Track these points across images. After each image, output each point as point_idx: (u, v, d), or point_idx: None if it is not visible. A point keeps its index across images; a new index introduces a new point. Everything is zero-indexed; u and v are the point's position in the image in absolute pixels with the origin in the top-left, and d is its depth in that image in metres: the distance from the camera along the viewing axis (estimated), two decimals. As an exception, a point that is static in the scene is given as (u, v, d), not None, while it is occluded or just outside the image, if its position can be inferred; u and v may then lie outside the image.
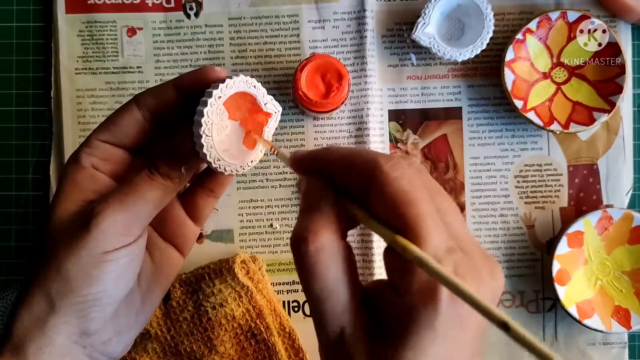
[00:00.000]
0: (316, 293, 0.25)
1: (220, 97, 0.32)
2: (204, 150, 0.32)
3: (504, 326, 0.20)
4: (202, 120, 0.31)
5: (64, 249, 0.32)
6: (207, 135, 0.32)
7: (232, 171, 0.34)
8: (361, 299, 0.26)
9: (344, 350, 0.25)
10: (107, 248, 0.32)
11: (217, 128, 0.33)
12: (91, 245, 0.31)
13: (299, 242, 0.25)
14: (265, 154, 0.37)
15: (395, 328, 0.24)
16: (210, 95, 0.32)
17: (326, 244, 0.25)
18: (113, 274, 0.32)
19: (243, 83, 0.33)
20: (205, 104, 0.31)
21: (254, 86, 0.34)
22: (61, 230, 0.33)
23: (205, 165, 0.36)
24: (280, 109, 0.35)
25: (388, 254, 0.25)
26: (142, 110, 0.34)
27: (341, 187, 0.27)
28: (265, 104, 0.35)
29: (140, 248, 0.34)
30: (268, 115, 0.35)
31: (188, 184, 0.40)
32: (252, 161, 0.35)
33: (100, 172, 0.34)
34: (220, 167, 0.33)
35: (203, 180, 0.39)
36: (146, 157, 0.35)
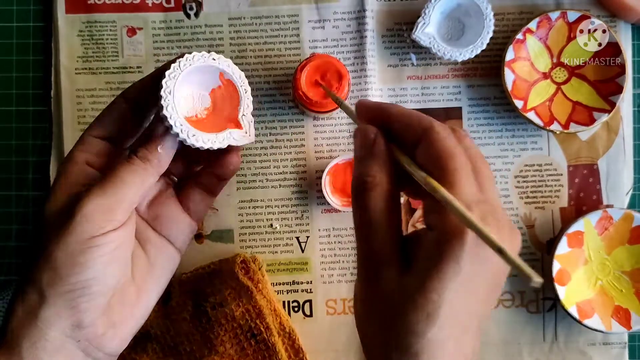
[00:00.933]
0: (368, 224, 0.29)
1: (179, 67, 0.35)
2: (169, 120, 0.34)
3: (499, 251, 0.23)
4: (162, 92, 0.34)
5: (51, 239, 0.32)
6: (169, 105, 0.34)
7: (204, 144, 0.35)
8: (401, 240, 0.29)
9: (379, 277, 0.28)
10: (92, 233, 0.32)
11: (186, 103, 0.36)
12: (76, 230, 0.32)
13: (360, 182, 0.29)
14: (255, 145, 0.39)
15: (424, 261, 0.27)
16: (168, 67, 0.34)
17: (382, 183, 0.29)
18: (100, 259, 0.33)
19: (200, 57, 0.35)
20: (164, 77, 0.34)
21: (213, 59, 0.36)
22: (50, 223, 0.34)
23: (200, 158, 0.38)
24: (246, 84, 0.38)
25: (427, 198, 0.28)
26: (127, 102, 0.37)
27: (394, 137, 0.30)
28: (240, 81, 0.37)
29: (127, 235, 0.34)
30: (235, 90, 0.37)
31: (175, 178, 0.40)
32: (233, 137, 0.37)
33: (93, 168, 0.35)
34: (189, 139, 0.34)
35: (200, 175, 0.39)
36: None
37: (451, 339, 0.27)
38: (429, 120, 0.29)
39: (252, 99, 0.38)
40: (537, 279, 0.22)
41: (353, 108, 0.34)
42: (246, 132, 0.37)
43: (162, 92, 0.34)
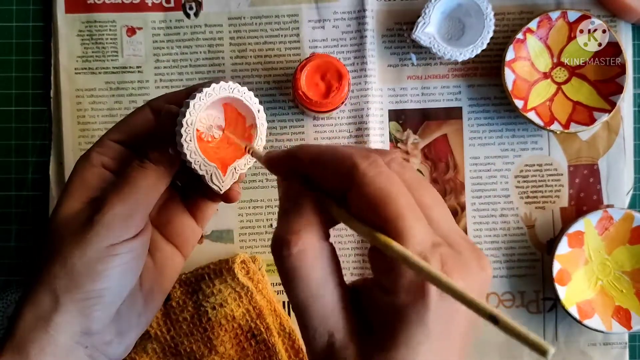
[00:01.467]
0: (301, 297, 0.24)
1: (202, 98, 0.33)
2: (188, 158, 0.33)
3: (492, 319, 0.20)
4: (182, 131, 0.32)
5: (69, 245, 0.32)
6: (187, 136, 0.32)
7: (210, 178, 0.34)
8: (349, 299, 0.25)
9: (334, 356, 0.24)
10: (111, 241, 0.32)
11: (204, 134, 0.34)
12: (95, 239, 0.32)
13: (280, 245, 0.24)
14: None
15: (386, 328, 0.23)
16: (193, 97, 0.32)
17: (309, 245, 0.24)
18: (118, 269, 0.32)
19: (225, 89, 0.33)
20: (187, 105, 0.32)
21: (239, 91, 0.34)
22: (66, 228, 0.33)
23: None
24: (263, 118, 0.36)
25: (372, 252, 0.25)
26: (153, 112, 0.35)
27: (319, 186, 0.26)
28: (257, 111, 0.35)
29: (143, 244, 0.34)
30: (250, 126, 0.36)
31: (179, 183, 0.40)
32: (243, 164, 0.36)
33: (109, 172, 0.35)
34: (200, 170, 0.34)
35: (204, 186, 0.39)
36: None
37: None
38: (350, 158, 0.24)
39: (265, 117, 0.37)
40: (548, 348, 0.18)
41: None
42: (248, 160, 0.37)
43: (182, 141, 0.32)
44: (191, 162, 0.33)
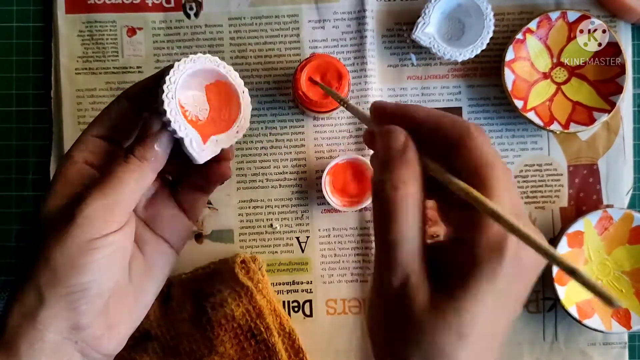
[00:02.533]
0: (394, 237, 0.26)
1: (187, 62, 0.34)
2: (173, 125, 0.33)
3: (571, 272, 0.22)
4: (164, 96, 0.33)
5: (51, 241, 0.32)
6: (172, 109, 0.33)
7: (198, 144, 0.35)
8: (426, 249, 0.27)
9: (405, 298, 0.26)
10: (92, 235, 0.32)
11: (186, 104, 0.35)
12: (76, 233, 0.32)
13: (389, 190, 0.26)
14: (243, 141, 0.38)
15: (457, 278, 0.25)
16: (169, 70, 0.34)
17: (413, 192, 0.27)
18: (100, 262, 0.32)
19: (211, 61, 0.35)
20: (164, 80, 0.33)
21: (224, 67, 0.36)
22: (49, 224, 0.33)
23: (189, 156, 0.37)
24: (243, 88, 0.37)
25: (458, 209, 0.27)
26: (129, 101, 0.36)
27: (418, 141, 0.28)
28: (242, 92, 0.37)
29: (126, 237, 0.34)
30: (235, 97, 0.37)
31: (170, 177, 0.40)
32: (233, 135, 0.37)
33: (91, 168, 0.35)
34: (186, 139, 0.34)
35: (194, 175, 0.39)
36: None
37: (479, 357, 0.26)
38: (466, 125, 0.27)
39: (250, 99, 0.38)
40: (617, 303, 0.20)
41: (361, 109, 0.33)
42: (237, 132, 0.37)
43: (164, 97, 0.33)
44: (171, 121, 0.33)
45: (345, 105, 0.36)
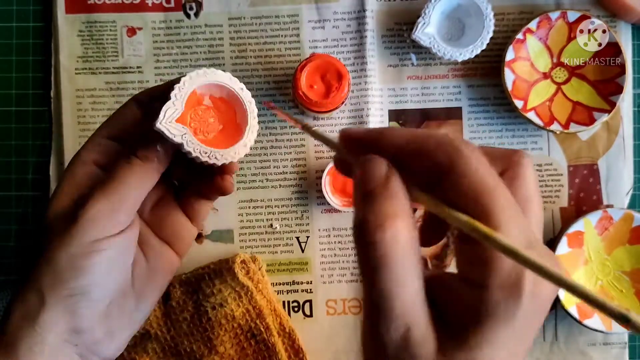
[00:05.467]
0: (387, 286, 0.22)
1: (188, 80, 0.34)
2: (183, 144, 0.33)
3: (624, 319, 0.19)
4: (172, 95, 0.33)
5: (54, 242, 0.32)
6: (171, 111, 0.33)
7: (205, 157, 0.35)
8: (425, 293, 0.24)
9: (410, 352, 0.23)
10: (95, 237, 0.32)
11: (191, 118, 0.35)
12: (79, 234, 0.32)
13: (372, 229, 0.22)
14: (251, 150, 0.38)
15: (469, 325, 0.22)
16: (178, 81, 0.34)
17: (403, 231, 0.22)
18: (102, 265, 0.32)
19: (208, 73, 0.35)
20: (173, 89, 0.33)
21: (230, 79, 0.36)
22: (53, 225, 0.33)
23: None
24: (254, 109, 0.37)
25: (462, 245, 0.23)
26: (139, 105, 0.36)
27: (402, 170, 0.24)
28: (248, 102, 0.37)
29: (129, 241, 0.34)
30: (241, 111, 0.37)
31: (176, 182, 0.40)
32: (241, 149, 0.36)
33: (100, 169, 0.35)
34: (199, 154, 0.34)
35: (199, 182, 0.39)
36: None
37: None
38: (453, 145, 0.23)
39: (256, 111, 0.38)
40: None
41: (328, 135, 0.29)
42: (245, 145, 0.37)
43: (173, 95, 0.33)
44: (190, 150, 0.33)
45: (309, 132, 0.31)
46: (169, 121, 0.33)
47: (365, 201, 0.24)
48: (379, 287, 0.22)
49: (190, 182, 0.39)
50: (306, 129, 0.31)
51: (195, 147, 0.34)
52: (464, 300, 0.23)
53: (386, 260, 0.22)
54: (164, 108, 0.33)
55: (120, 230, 0.33)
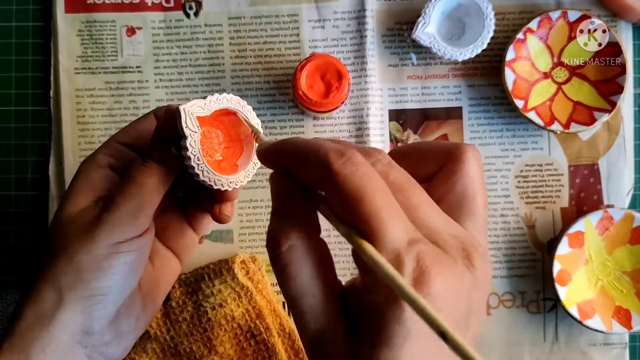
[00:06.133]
0: (291, 294, 0.24)
1: (222, 99, 0.34)
2: (192, 162, 0.33)
3: (442, 335, 0.20)
4: (188, 137, 0.33)
5: (76, 243, 0.32)
6: (193, 154, 0.33)
7: (219, 185, 0.35)
8: (340, 298, 0.25)
9: (324, 350, 0.24)
10: (117, 239, 0.33)
11: (205, 146, 0.35)
12: (103, 237, 0.32)
13: (271, 244, 0.24)
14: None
15: (369, 327, 0.23)
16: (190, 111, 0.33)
17: (297, 244, 0.24)
18: (123, 267, 0.33)
19: (225, 99, 0.35)
20: (188, 117, 0.33)
21: (235, 101, 0.35)
22: (72, 225, 0.33)
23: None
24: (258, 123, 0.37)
25: (355, 252, 0.24)
26: (158, 120, 0.36)
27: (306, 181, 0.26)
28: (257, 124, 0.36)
29: (147, 242, 0.35)
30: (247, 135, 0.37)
31: (181, 194, 0.40)
32: (244, 177, 0.37)
33: (115, 173, 0.36)
34: (209, 180, 0.34)
35: (203, 197, 0.40)
36: None
37: None
38: (324, 154, 0.23)
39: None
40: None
41: (269, 141, 0.30)
42: (245, 177, 0.37)
43: (187, 135, 0.33)
44: (190, 156, 0.33)
45: (255, 138, 0.35)
46: (192, 112, 0.33)
47: (272, 217, 0.25)
48: (287, 296, 0.24)
49: (195, 195, 0.40)
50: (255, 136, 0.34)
51: (194, 151, 0.33)
52: (365, 304, 0.23)
53: (288, 270, 0.24)
54: (195, 101, 0.33)
55: (140, 232, 0.34)
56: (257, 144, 0.34)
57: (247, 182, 0.37)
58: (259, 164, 0.37)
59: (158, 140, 0.35)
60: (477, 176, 0.25)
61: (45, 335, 0.32)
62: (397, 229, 0.22)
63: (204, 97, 0.34)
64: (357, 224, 0.22)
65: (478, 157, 0.26)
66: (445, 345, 0.21)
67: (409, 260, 0.22)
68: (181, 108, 0.32)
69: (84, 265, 0.32)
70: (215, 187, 0.35)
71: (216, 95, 0.34)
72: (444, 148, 0.26)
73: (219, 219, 0.38)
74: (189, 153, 0.33)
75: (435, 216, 0.24)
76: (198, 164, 0.33)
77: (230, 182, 0.36)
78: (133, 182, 0.33)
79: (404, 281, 0.21)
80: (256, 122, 0.36)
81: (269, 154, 0.27)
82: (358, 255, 0.23)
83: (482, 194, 0.25)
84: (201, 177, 0.34)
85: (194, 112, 0.33)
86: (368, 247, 0.22)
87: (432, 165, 0.26)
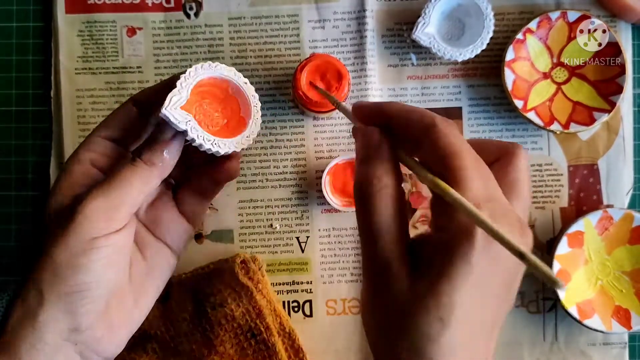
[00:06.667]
0: (375, 227, 0.28)
1: (194, 71, 0.35)
2: (211, 149, 0.34)
3: (520, 256, 0.23)
4: (176, 89, 0.34)
5: (53, 239, 0.32)
6: (200, 138, 0.34)
7: (220, 149, 0.35)
8: (407, 239, 0.29)
9: (387, 285, 0.27)
10: (93, 234, 0.32)
11: (206, 120, 0.36)
12: (77, 231, 0.32)
13: (366, 185, 0.28)
14: (252, 145, 0.39)
15: (434, 262, 0.26)
16: (178, 77, 0.34)
17: (388, 186, 0.28)
18: (101, 262, 0.32)
19: (210, 67, 0.36)
20: (176, 85, 0.34)
21: (235, 74, 0.37)
22: (52, 223, 0.33)
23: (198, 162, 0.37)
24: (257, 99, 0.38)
25: (434, 199, 0.28)
26: (137, 105, 0.36)
27: (394, 136, 0.30)
28: (252, 96, 0.38)
29: (127, 237, 0.34)
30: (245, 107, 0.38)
31: (173, 181, 0.40)
32: (254, 125, 0.38)
33: (97, 169, 0.35)
34: (198, 139, 0.35)
35: (196, 179, 0.39)
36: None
37: (466, 343, 0.26)
38: (431, 117, 0.28)
39: (259, 104, 0.39)
40: (561, 283, 0.22)
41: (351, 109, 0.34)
42: (249, 137, 0.38)
43: (183, 129, 0.34)
44: (194, 137, 0.34)
45: (338, 107, 0.38)
46: (174, 107, 0.33)
47: (362, 162, 0.29)
48: (369, 229, 0.28)
49: (188, 179, 0.39)
50: (336, 105, 0.38)
51: (199, 134, 0.34)
52: (433, 242, 0.27)
53: (371, 208, 0.28)
54: (170, 95, 0.34)
55: (117, 228, 0.33)
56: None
57: (247, 147, 0.38)
58: (259, 105, 0.38)
59: (149, 141, 0.35)
60: (525, 169, 0.29)
61: (32, 334, 0.32)
62: (479, 184, 0.26)
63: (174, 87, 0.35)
64: (446, 173, 0.27)
65: (526, 155, 0.30)
66: (495, 291, 0.26)
67: (485, 212, 0.25)
68: (162, 114, 0.33)
69: (60, 262, 0.32)
70: (238, 150, 0.36)
71: (181, 77, 0.34)
72: (502, 145, 0.30)
73: (229, 174, 0.38)
74: (198, 141, 0.34)
75: (500, 190, 0.28)
76: (211, 142, 0.34)
77: (247, 137, 0.37)
78: (115, 178, 0.33)
79: (486, 216, 0.24)
80: (252, 93, 0.38)
81: (369, 110, 0.31)
82: (436, 202, 0.28)
83: (528, 182, 0.29)
84: (222, 152, 0.35)
85: (175, 106, 0.33)
86: (453, 191, 0.25)
87: (491, 157, 0.30)
